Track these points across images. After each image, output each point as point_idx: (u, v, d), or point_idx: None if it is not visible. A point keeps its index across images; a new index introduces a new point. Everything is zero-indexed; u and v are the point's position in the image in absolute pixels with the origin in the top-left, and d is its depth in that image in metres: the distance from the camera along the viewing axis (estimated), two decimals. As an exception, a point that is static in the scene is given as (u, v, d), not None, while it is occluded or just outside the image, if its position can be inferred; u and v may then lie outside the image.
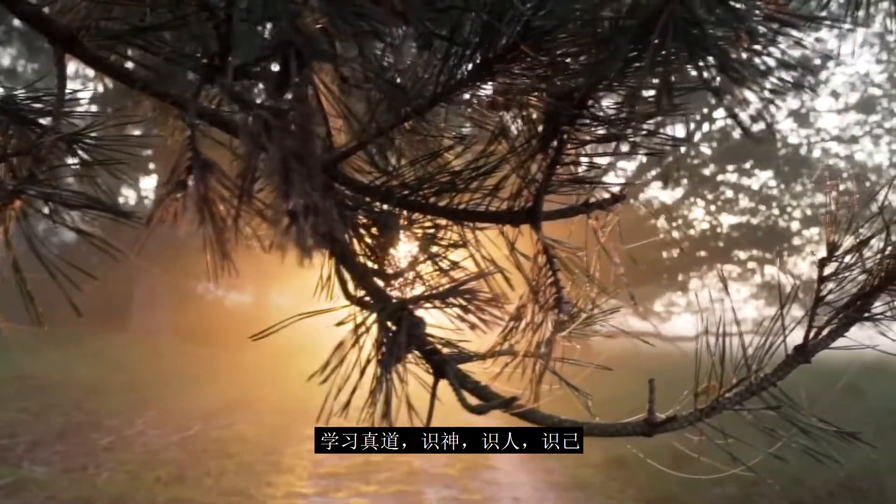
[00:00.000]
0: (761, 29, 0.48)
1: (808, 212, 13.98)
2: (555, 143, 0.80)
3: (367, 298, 0.79)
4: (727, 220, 15.07)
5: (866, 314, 0.91)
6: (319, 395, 0.92)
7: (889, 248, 0.89)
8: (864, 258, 0.93)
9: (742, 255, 14.68)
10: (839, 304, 0.92)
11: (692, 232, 15.03)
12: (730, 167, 14.68)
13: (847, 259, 0.89)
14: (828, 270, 0.90)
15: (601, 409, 0.95)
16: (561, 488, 6.19)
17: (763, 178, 14.75)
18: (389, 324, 0.71)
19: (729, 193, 15.06)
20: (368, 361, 0.76)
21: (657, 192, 15.94)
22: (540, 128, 0.84)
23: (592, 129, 0.80)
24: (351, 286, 0.83)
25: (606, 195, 0.86)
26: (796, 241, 14.26)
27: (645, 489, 5.96)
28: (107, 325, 14.29)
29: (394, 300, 0.73)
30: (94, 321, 14.31)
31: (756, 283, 14.93)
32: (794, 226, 14.25)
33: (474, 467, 6.74)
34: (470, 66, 0.85)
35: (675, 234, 15.39)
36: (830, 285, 0.93)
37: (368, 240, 0.90)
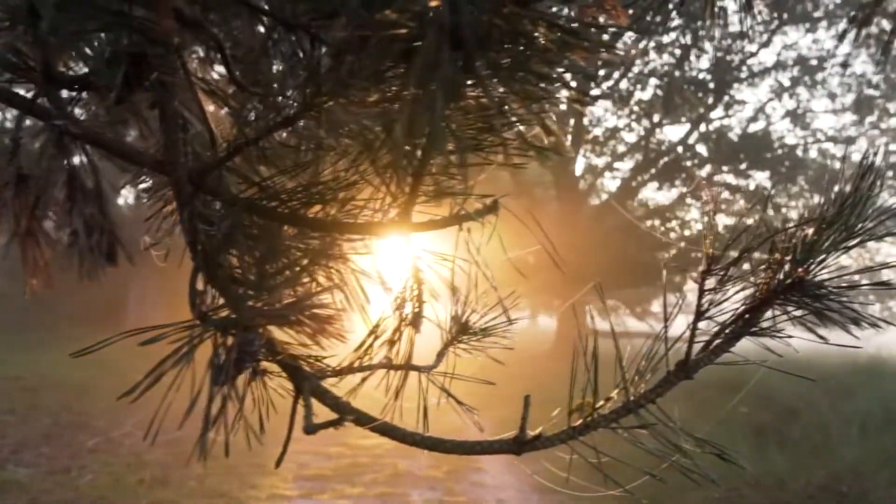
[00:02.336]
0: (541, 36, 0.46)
1: (806, 213, 13.85)
2: (418, 153, 0.78)
3: (227, 312, 0.77)
4: (723, 220, 15.00)
5: (753, 328, 0.88)
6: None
7: (773, 261, 0.87)
8: (756, 270, 0.91)
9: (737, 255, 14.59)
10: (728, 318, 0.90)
11: (688, 233, 14.97)
12: (725, 168, 14.63)
13: (730, 272, 0.86)
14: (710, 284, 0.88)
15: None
16: (546, 490, 6.16)
17: (759, 178, 14.72)
18: (225, 340, 0.69)
19: (725, 194, 15.00)
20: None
21: (653, 194, 15.90)
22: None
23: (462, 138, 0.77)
24: (213, 298, 0.80)
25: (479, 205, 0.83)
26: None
27: (630, 491, 5.91)
28: (102, 326, 14.30)
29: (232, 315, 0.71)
30: (90, 322, 14.33)
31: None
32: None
33: (460, 469, 6.71)
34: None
35: (672, 234, 15.35)
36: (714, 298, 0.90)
37: (241, 252, 0.88)
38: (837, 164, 14.51)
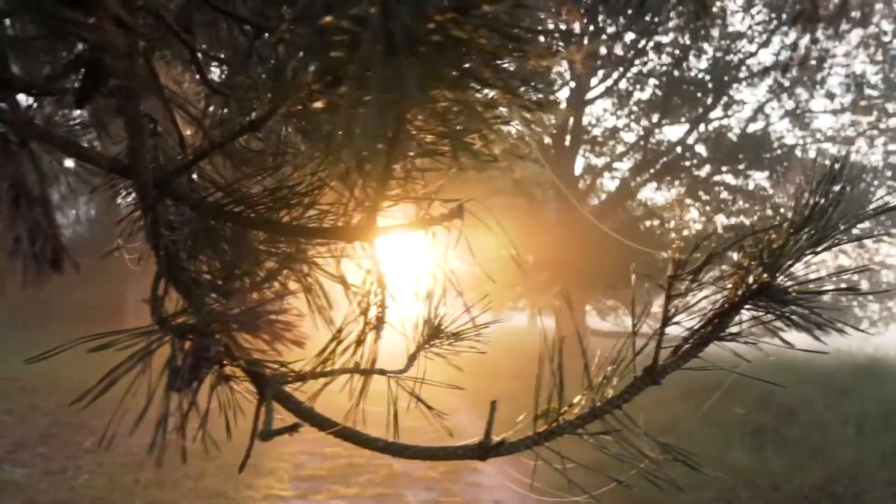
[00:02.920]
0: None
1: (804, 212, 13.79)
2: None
3: (188, 318, 0.77)
4: (722, 221, 14.97)
5: (721, 334, 0.88)
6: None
7: (741, 265, 0.87)
8: (725, 275, 0.90)
9: (736, 256, 14.55)
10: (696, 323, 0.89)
11: (686, 233, 14.94)
12: (724, 168, 14.61)
13: (698, 277, 0.86)
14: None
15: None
16: (541, 491, 6.15)
17: (758, 178, 14.71)
18: (182, 345, 0.68)
19: (724, 194, 14.99)
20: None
21: (651, 194, 15.88)
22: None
23: (421, 143, 0.77)
24: (177, 304, 0.80)
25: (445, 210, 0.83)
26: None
27: (624, 492, 5.89)
28: (101, 326, 14.26)
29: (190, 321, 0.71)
30: (89, 322, 14.33)
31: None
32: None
33: (456, 470, 6.71)
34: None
35: (672, 234, 15.31)
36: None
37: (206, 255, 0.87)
38: (836, 165, 14.46)
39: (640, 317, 0.87)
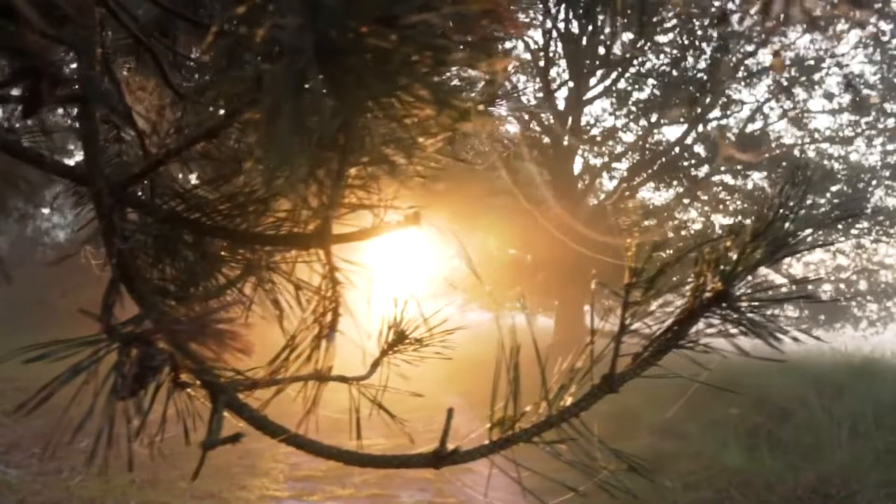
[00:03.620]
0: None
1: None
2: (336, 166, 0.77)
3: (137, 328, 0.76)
4: (721, 221, 14.98)
5: (681, 342, 0.88)
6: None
7: (700, 273, 0.87)
8: (685, 283, 0.90)
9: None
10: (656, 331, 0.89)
11: (684, 233, 14.91)
12: (723, 168, 14.59)
13: (655, 285, 0.86)
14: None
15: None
16: (536, 493, 6.14)
17: (756, 178, 14.70)
18: (129, 353, 0.68)
19: (722, 194, 14.99)
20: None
21: (650, 194, 15.87)
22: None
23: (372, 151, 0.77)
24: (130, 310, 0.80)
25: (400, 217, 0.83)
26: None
27: (620, 493, 5.85)
28: (98, 326, 14.24)
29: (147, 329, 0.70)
30: (87, 322, 14.26)
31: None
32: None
33: (452, 471, 6.69)
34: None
35: (670, 234, 15.29)
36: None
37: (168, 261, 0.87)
38: (836, 164, 14.49)
39: (598, 323, 0.87)
